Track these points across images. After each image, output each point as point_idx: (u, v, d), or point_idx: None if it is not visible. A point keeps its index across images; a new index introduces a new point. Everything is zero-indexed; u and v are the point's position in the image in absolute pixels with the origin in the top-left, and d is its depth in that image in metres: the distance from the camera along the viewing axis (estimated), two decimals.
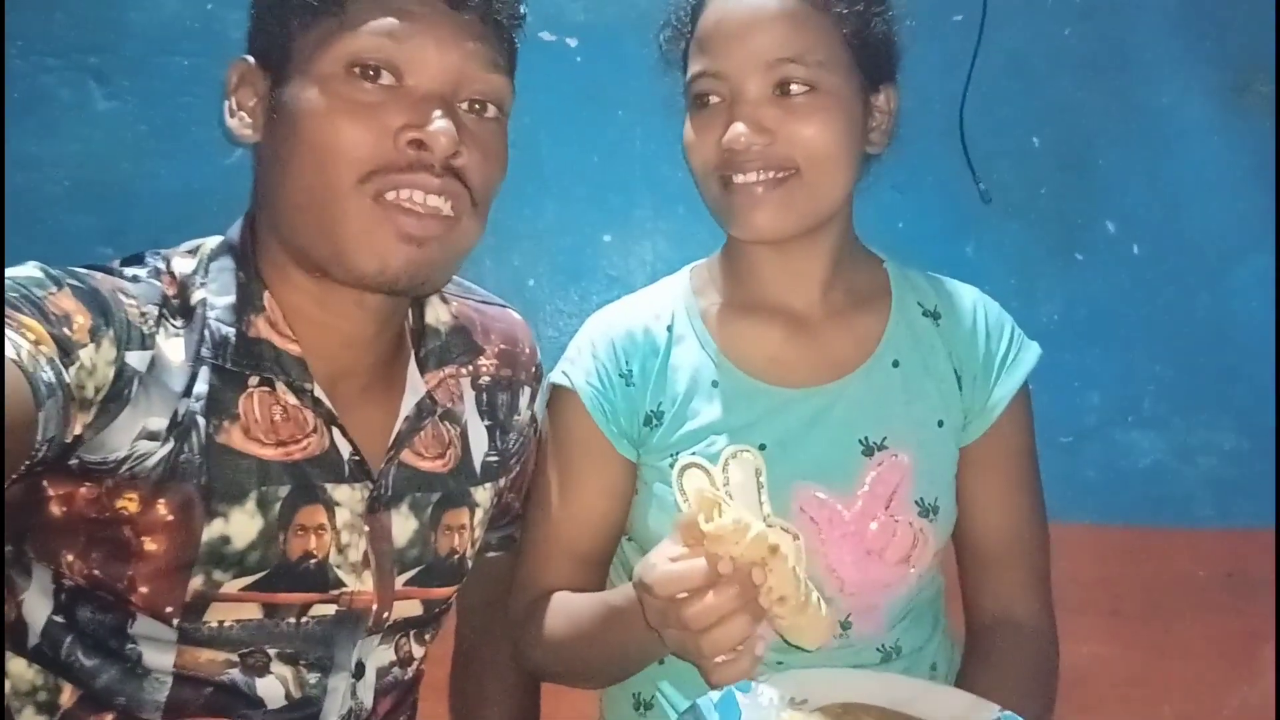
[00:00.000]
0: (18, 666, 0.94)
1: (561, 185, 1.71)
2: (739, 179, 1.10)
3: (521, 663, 1.22)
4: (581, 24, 1.70)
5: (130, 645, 0.92)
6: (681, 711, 1.03)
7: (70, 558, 0.90)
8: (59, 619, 0.93)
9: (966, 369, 1.20)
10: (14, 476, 0.78)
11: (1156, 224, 1.67)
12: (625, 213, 1.72)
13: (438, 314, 1.11)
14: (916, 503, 1.15)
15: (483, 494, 1.14)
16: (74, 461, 0.87)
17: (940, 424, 1.19)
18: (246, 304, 0.96)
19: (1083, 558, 1.55)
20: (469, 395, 1.14)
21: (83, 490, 0.88)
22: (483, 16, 0.96)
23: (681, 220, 1.68)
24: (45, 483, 0.88)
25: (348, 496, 0.99)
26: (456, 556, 1.09)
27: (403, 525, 1.04)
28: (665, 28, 1.20)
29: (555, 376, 1.21)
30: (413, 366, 1.08)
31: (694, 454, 1.13)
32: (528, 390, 1.20)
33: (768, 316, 1.21)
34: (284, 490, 0.95)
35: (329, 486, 0.98)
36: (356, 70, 0.92)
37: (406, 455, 1.05)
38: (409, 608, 1.06)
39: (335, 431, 0.99)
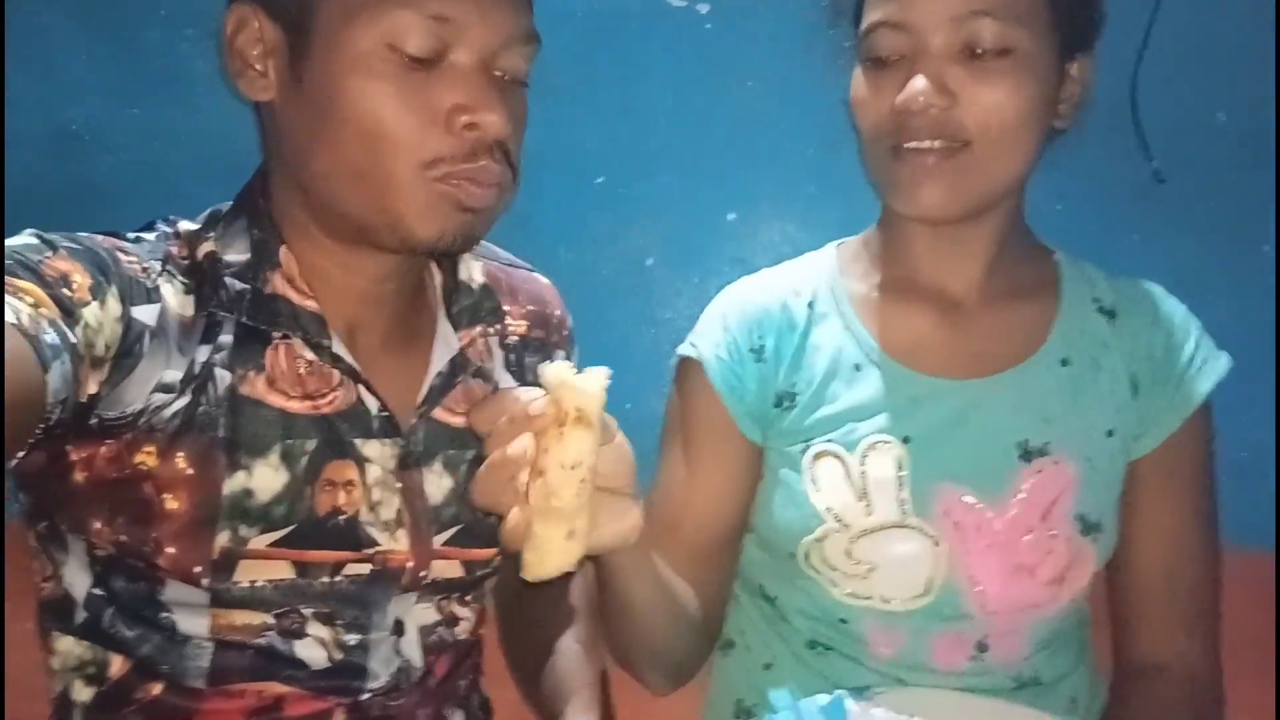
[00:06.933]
0: (66, 644, 0.97)
1: (683, 159, 1.66)
2: (910, 145, 1.00)
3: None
4: None
5: (164, 613, 0.94)
6: (781, 710, 1.00)
7: (98, 525, 0.92)
8: (98, 591, 0.95)
9: (1144, 375, 1.10)
10: (31, 441, 0.79)
11: None
12: (751, 190, 1.66)
13: (470, 272, 1.11)
14: (1078, 518, 1.05)
15: None
16: (94, 420, 0.88)
17: (1110, 434, 1.08)
18: (262, 260, 0.97)
19: (1252, 586, 1.41)
20: (498, 354, 1.14)
21: (103, 450, 0.90)
22: None
23: (812, 200, 1.62)
24: (68, 447, 0.90)
25: (378, 453, 0.99)
26: (495, 517, 1.07)
27: (437, 483, 1.04)
28: None
29: (683, 348, 1.16)
30: (444, 322, 1.07)
31: (829, 441, 1.08)
32: (560, 354, 1.18)
33: (922, 301, 1.12)
34: (311, 444, 0.96)
35: (359, 442, 0.98)
36: (399, 52, 0.89)
37: (439, 412, 1.04)
38: (449, 568, 1.05)
39: (361, 387, 0.99)
